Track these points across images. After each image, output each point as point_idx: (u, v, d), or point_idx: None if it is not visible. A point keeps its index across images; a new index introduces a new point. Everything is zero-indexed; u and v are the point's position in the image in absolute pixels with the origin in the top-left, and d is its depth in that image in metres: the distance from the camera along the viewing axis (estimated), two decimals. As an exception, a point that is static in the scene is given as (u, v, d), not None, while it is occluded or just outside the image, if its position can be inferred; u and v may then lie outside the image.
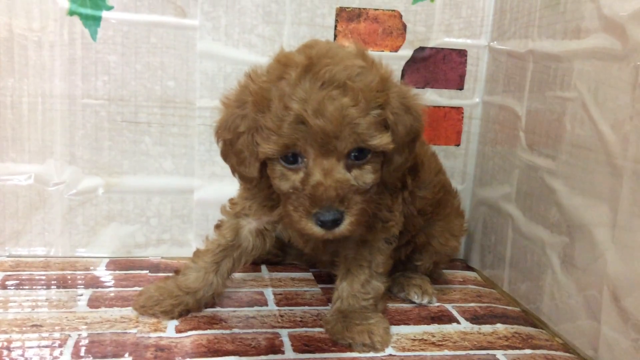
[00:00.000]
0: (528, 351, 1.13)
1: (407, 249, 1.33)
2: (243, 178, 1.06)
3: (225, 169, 1.47)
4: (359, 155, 0.97)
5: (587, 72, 1.14)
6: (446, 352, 1.10)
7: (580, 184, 1.15)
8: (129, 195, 1.47)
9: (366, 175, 0.99)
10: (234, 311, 1.21)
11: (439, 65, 1.55)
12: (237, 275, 1.39)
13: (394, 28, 1.50)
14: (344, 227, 0.96)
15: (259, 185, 1.08)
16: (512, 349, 1.13)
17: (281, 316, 1.20)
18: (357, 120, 0.93)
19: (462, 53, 1.55)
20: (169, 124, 1.45)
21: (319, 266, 1.44)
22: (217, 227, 1.22)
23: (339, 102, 0.92)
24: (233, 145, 1.02)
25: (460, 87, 1.57)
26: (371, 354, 1.07)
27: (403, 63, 1.53)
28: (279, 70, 0.96)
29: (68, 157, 1.43)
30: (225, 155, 1.07)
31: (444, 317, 1.25)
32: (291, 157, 0.97)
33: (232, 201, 1.21)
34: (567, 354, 1.13)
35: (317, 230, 0.96)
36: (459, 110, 1.58)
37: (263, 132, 0.96)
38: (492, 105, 1.53)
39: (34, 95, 1.38)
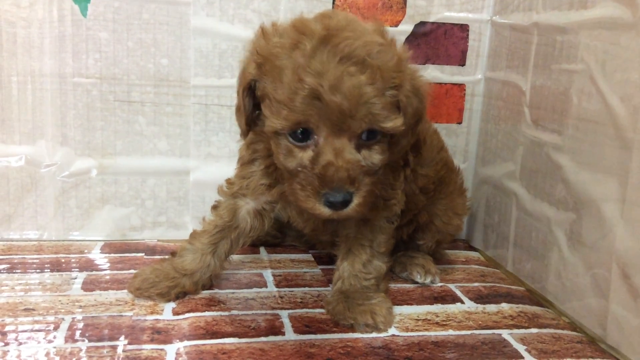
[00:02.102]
0: (534, 330, 1.10)
1: (409, 228, 1.29)
2: (238, 123, 1.02)
3: (222, 149, 1.45)
4: (369, 135, 0.93)
5: (595, 44, 1.10)
6: (450, 331, 1.07)
7: (587, 159, 1.11)
8: (123, 177, 1.43)
9: (375, 156, 0.95)
10: (233, 293, 1.18)
11: (440, 41, 1.51)
12: (235, 257, 1.36)
13: (394, 2, 1.46)
14: (352, 208, 0.92)
15: (256, 153, 1.06)
16: (518, 328, 1.10)
17: (281, 297, 1.17)
18: (373, 100, 0.88)
19: (463, 28, 1.51)
20: (163, 103, 1.41)
21: (319, 247, 1.41)
22: (214, 207, 1.19)
23: (357, 79, 0.87)
24: (238, 89, 0.99)
25: (462, 63, 1.53)
26: (374, 334, 1.05)
27: (403, 38, 1.48)
28: (294, 37, 0.90)
29: (60, 138, 1.39)
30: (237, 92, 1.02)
31: (448, 297, 1.22)
32: (300, 134, 0.92)
33: (229, 181, 1.18)
34: (574, 333, 1.11)
35: (324, 210, 0.92)
36: (460, 87, 1.54)
37: (272, 104, 0.91)
38: (495, 82, 1.49)
39: (23, 74, 1.34)
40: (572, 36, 1.17)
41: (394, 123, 0.92)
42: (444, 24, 1.50)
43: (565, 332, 1.10)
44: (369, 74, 0.88)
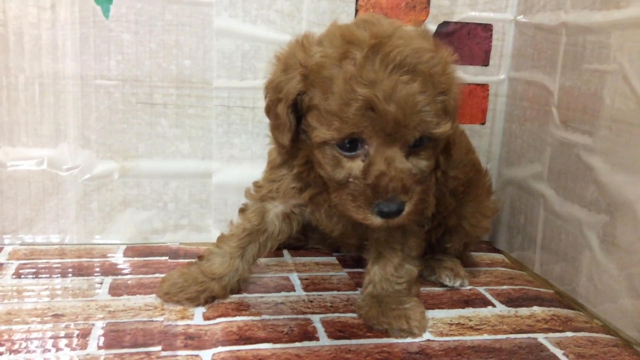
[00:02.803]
0: (569, 334, 1.09)
1: (437, 231, 1.28)
2: (276, 142, 1.01)
3: (244, 151, 1.43)
4: (417, 142, 0.92)
5: (628, 43, 1.09)
6: (486, 336, 1.06)
7: (621, 160, 1.10)
8: (145, 179, 1.42)
9: (422, 162, 0.94)
10: (261, 297, 1.17)
11: (464, 41, 1.49)
12: (259, 260, 1.35)
13: (417, 2, 1.44)
14: (404, 216, 0.91)
15: (292, 159, 1.04)
16: (553, 332, 1.09)
17: (310, 301, 1.16)
18: (426, 108, 0.87)
19: (487, 27, 1.50)
20: (186, 105, 1.40)
21: (344, 250, 1.39)
22: (242, 211, 1.17)
23: (410, 87, 0.85)
24: (273, 107, 0.97)
25: (485, 63, 1.52)
26: (409, 340, 1.03)
27: (426, 39, 1.47)
28: (342, 47, 0.88)
29: (82, 141, 1.37)
30: (267, 112, 1.01)
31: (478, 301, 1.21)
32: (348, 144, 0.91)
33: (257, 184, 1.16)
34: (609, 336, 1.09)
35: (376, 220, 0.91)
36: (484, 87, 1.53)
37: (321, 115, 0.89)
38: (519, 82, 1.47)
39: (46, 76, 1.33)
40: (603, 36, 1.15)
41: (444, 128, 0.90)
42: (467, 23, 1.48)
43: (600, 335, 1.09)
44: (420, 82, 0.86)
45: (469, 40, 1.49)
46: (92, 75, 1.35)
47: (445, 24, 1.47)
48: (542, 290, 1.29)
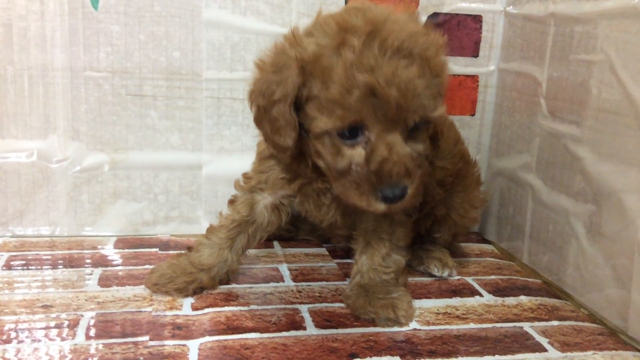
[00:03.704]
0: (555, 322, 1.09)
1: (426, 221, 1.29)
2: (276, 147, 0.99)
3: (234, 143, 1.43)
4: (414, 126, 0.92)
5: (615, 33, 1.09)
6: (472, 325, 1.07)
7: (608, 150, 1.10)
8: (136, 171, 1.42)
9: (420, 146, 0.95)
10: (250, 287, 1.17)
11: (454, 32, 1.49)
12: (249, 251, 1.35)
13: (407, -7, 1.45)
14: (407, 200, 0.92)
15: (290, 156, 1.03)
16: (539, 321, 1.09)
17: (299, 292, 1.16)
18: (424, 91, 0.88)
19: (477, 19, 1.50)
20: (175, 97, 1.40)
21: (334, 240, 1.40)
22: (231, 202, 1.18)
23: (409, 71, 0.86)
24: (267, 112, 0.95)
25: (475, 55, 1.52)
26: (395, 329, 1.04)
27: (416, 30, 1.47)
28: (339, 35, 0.88)
29: (71, 133, 1.37)
30: (258, 122, 0.99)
31: (466, 290, 1.22)
32: (349, 132, 0.90)
33: (246, 175, 1.17)
34: (595, 325, 1.10)
35: (380, 206, 0.92)
36: (474, 78, 1.53)
37: (322, 105, 0.89)
38: (509, 73, 1.48)
39: (35, 68, 1.33)
40: (590, 26, 1.16)
41: (440, 111, 0.92)
42: (457, 14, 1.49)
43: (585, 324, 1.10)
44: (418, 66, 0.87)
45: (459, 31, 1.50)
46: (81, 67, 1.35)
47: (435, 15, 1.47)
48: (530, 280, 1.30)
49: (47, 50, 1.32)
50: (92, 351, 0.91)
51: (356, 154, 0.91)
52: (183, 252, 1.18)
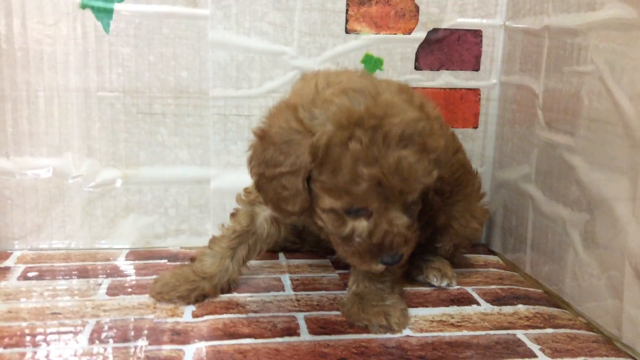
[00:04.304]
0: (550, 330, 1.10)
1: (426, 230, 1.30)
2: (281, 211, 1.02)
3: (241, 157, 1.48)
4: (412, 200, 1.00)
5: (604, 45, 1.11)
6: (465, 332, 1.08)
7: (599, 159, 1.12)
8: (147, 186, 1.48)
9: (416, 209, 1.03)
10: (251, 296, 1.21)
11: (454, 47, 1.52)
12: (254, 262, 1.39)
13: (406, 10, 1.48)
14: (403, 260, 1.00)
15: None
16: (533, 329, 1.11)
17: (297, 300, 1.20)
18: (423, 173, 0.95)
19: (477, 33, 1.53)
20: (184, 114, 1.46)
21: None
22: (233, 215, 1.22)
23: (410, 159, 0.93)
24: (271, 181, 0.98)
25: (476, 68, 1.54)
26: (388, 335, 1.06)
27: (416, 46, 1.51)
28: (347, 130, 0.92)
29: (85, 150, 1.44)
30: (260, 188, 1.02)
31: (464, 299, 1.23)
32: (349, 210, 0.97)
33: (247, 190, 1.21)
34: (590, 333, 1.11)
35: (379, 268, 1.00)
36: (475, 91, 1.56)
37: (329, 187, 0.95)
38: (510, 86, 1.50)
39: (50, 89, 1.40)
40: (581, 38, 1.18)
41: (433, 177, 0.98)
42: (457, 30, 1.52)
43: (581, 332, 1.11)
44: (417, 152, 0.93)
45: (459, 46, 1.53)
46: (94, 88, 1.42)
47: (435, 30, 1.51)
48: (530, 290, 1.31)
49: (61, 72, 1.40)
50: (93, 354, 0.96)
51: (359, 226, 0.98)
52: (187, 262, 1.23)
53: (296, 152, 0.94)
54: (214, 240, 1.21)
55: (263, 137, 0.99)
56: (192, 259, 1.22)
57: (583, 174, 1.17)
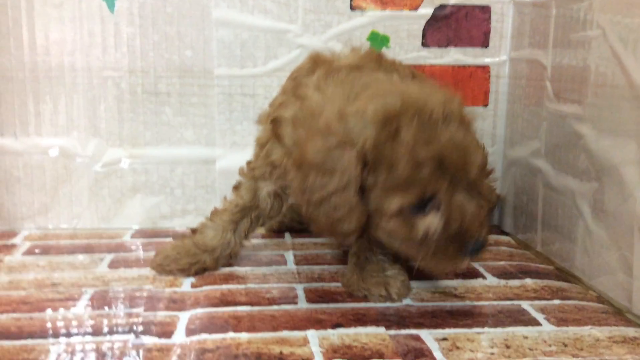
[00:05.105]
0: (557, 301, 1.07)
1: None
2: (337, 234, 0.95)
3: (246, 137, 1.48)
4: (474, 178, 0.95)
5: (609, 5, 1.08)
6: (467, 302, 1.06)
7: (607, 124, 1.08)
8: (153, 166, 1.48)
9: (481, 193, 0.97)
10: (252, 270, 1.20)
11: (462, 23, 1.50)
12: (258, 240, 1.39)
13: (412, -14, 1.47)
14: (487, 244, 0.94)
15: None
16: (540, 300, 1.07)
17: (299, 273, 1.18)
18: (473, 146, 0.93)
19: (485, 9, 1.50)
20: (188, 94, 1.46)
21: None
22: (235, 188, 1.21)
23: (459, 133, 0.91)
24: (320, 206, 0.92)
25: (485, 45, 1.51)
26: (387, 304, 1.04)
27: (423, 22, 1.48)
28: (390, 125, 0.89)
29: (92, 130, 1.45)
30: (310, 218, 0.96)
31: (470, 274, 1.20)
32: (418, 204, 0.91)
33: (249, 164, 1.20)
34: (600, 305, 1.07)
35: (466, 262, 0.94)
36: (485, 69, 1.53)
37: (390, 186, 0.90)
38: (519, 61, 1.46)
39: (56, 69, 1.41)
40: (587, 3, 1.14)
41: (483, 151, 0.96)
42: (464, 6, 1.49)
43: (590, 303, 1.07)
44: (460, 127, 0.91)
45: (467, 22, 1.50)
46: (99, 67, 1.43)
47: (442, 7, 1.48)
48: (541, 266, 1.27)
49: (68, 52, 1.41)
50: (86, 319, 0.96)
51: (431, 223, 0.92)
52: (188, 234, 1.22)
53: (341, 167, 0.90)
54: (215, 213, 1.20)
55: (300, 165, 0.93)
56: (194, 231, 1.21)
57: (591, 142, 1.13)
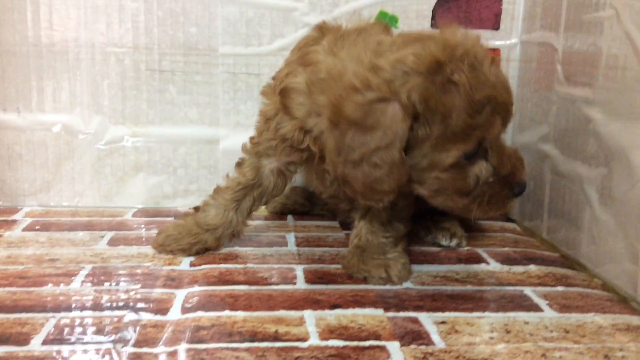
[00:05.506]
0: (560, 288, 1.05)
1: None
2: (375, 194, 0.91)
3: (250, 118, 1.45)
4: None
5: (624, -13, 1.04)
6: (469, 287, 1.04)
7: (617, 108, 1.05)
8: (156, 145, 1.47)
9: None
10: (252, 250, 1.19)
11: (473, 4, 1.47)
12: (261, 222, 1.38)
13: (421, -35, 1.44)
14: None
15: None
16: (543, 286, 1.05)
17: (299, 255, 1.17)
18: (509, 85, 0.94)
19: (496, -10, 1.47)
20: (193, 72, 1.44)
21: (340, 215, 1.38)
22: (238, 165, 1.19)
23: (500, 72, 0.92)
24: (359, 166, 0.88)
25: (496, 27, 1.48)
26: (387, 287, 1.02)
27: (433, 3, 1.46)
28: (440, 70, 0.86)
29: (95, 107, 1.44)
30: (345, 181, 0.92)
31: (473, 259, 1.18)
32: (473, 152, 0.91)
33: (253, 140, 1.17)
34: (605, 292, 1.04)
35: (513, 203, 0.97)
36: (495, 52, 1.49)
37: (446, 137, 0.87)
38: (531, 45, 1.43)
39: (60, 44, 1.40)
40: (602, -18, 1.11)
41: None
42: (475, -14, 1.46)
43: (595, 291, 1.05)
44: (496, 65, 0.92)
45: (478, 3, 1.47)
46: (104, 43, 1.41)
47: (452, -13, 1.46)
48: (546, 253, 1.25)
49: (71, 27, 1.39)
50: (83, 294, 0.95)
51: (483, 167, 0.92)
52: (190, 212, 1.21)
53: (384, 122, 0.86)
54: (217, 191, 1.18)
55: (337, 123, 0.89)
56: (196, 209, 1.19)
57: (601, 126, 1.10)
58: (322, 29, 1.08)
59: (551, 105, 1.30)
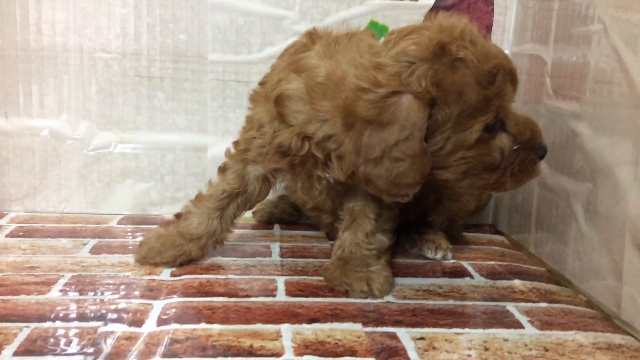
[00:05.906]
0: (543, 304, 1.03)
1: (416, 209, 1.24)
2: (395, 191, 0.92)
3: (239, 125, 1.43)
4: None
5: (612, 1, 1.04)
6: (451, 301, 1.03)
7: (603, 123, 1.05)
8: (143, 151, 1.46)
9: None
10: (235, 260, 1.18)
11: (463, 15, 1.45)
12: (247, 231, 1.37)
13: (412, -25, 1.43)
14: None
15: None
16: (526, 302, 1.04)
17: (282, 266, 1.16)
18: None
19: (488, 2, 1.46)
20: (182, 79, 1.43)
21: (322, 228, 1.36)
22: (222, 170, 1.17)
23: (496, 45, 0.97)
24: (380, 164, 0.88)
25: (486, 39, 1.47)
26: (368, 300, 1.01)
27: (424, 13, 1.45)
28: (445, 53, 0.88)
29: (83, 113, 1.43)
30: (368, 181, 0.92)
31: (457, 272, 1.17)
32: (492, 124, 0.93)
33: (238, 146, 1.14)
34: (589, 310, 1.03)
35: (540, 168, 1.00)
36: (485, 63, 1.49)
37: (465, 114, 0.89)
38: (522, 56, 1.42)
39: (48, 49, 1.39)
40: (590, -4, 1.11)
41: None
42: (467, -3, 1.45)
43: (578, 308, 1.03)
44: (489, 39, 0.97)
45: (469, 14, 1.46)
46: (92, 49, 1.40)
47: (443, -2, 1.45)
48: (532, 267, 1.24)
49: (60, 32, 1.39)
50: (57, 303, 0.94)
51: (503, 139, 0.95)
52: (172, 220, 1.19)
53: (399, 115, 0.86)
54: (200, 199, 1.16)
55: (353, 124, 0.89)
56: (178, 216, 1.18)
57: (587, 141, 1.09)
58: (311, 36, 1.08)
59: (539, 117, 1.29)
